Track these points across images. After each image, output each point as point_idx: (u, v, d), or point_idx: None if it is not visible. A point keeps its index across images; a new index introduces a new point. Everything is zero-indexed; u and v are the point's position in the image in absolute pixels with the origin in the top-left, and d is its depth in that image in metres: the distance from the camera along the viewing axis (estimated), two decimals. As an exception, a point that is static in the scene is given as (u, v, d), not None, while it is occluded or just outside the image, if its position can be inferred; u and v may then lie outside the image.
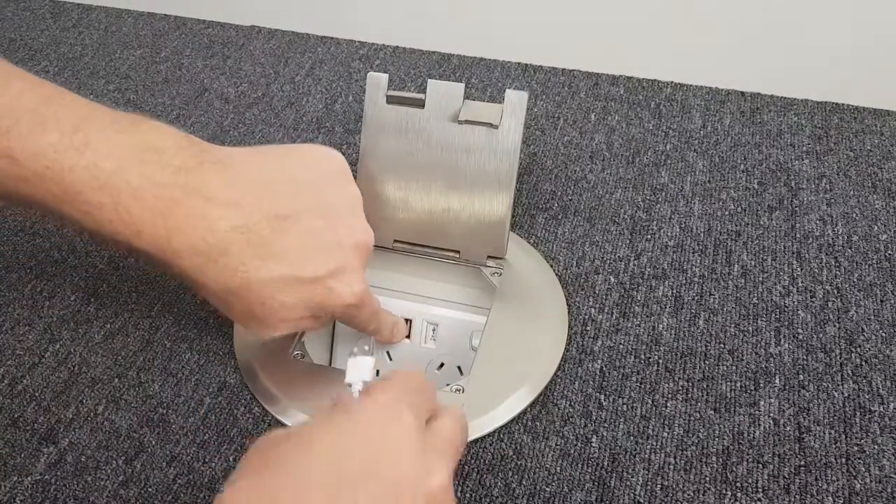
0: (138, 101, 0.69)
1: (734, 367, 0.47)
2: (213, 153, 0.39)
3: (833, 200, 0.57)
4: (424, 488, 0.31)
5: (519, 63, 0.71)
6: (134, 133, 0.38)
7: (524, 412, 0.44)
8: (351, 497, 0.29)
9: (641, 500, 0.41)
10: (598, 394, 0.45)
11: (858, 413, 0.44)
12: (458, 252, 0.51)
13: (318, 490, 0.29)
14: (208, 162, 0.38)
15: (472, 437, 0.43)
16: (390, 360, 0.53)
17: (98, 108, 0.39)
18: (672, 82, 0.68)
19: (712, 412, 0.44)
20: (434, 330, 0.53)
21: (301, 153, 0.42)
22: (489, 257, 0.51)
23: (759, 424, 0.44)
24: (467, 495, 0.41)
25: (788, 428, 0.44)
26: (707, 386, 0.46)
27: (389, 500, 0.29)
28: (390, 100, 0.50)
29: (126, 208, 0.36)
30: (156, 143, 0.38)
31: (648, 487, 0.41)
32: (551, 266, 0.53)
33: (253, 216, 0.38)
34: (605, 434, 0.43)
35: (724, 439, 0.43)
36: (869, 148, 0.61)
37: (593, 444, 0.43)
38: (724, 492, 0.41)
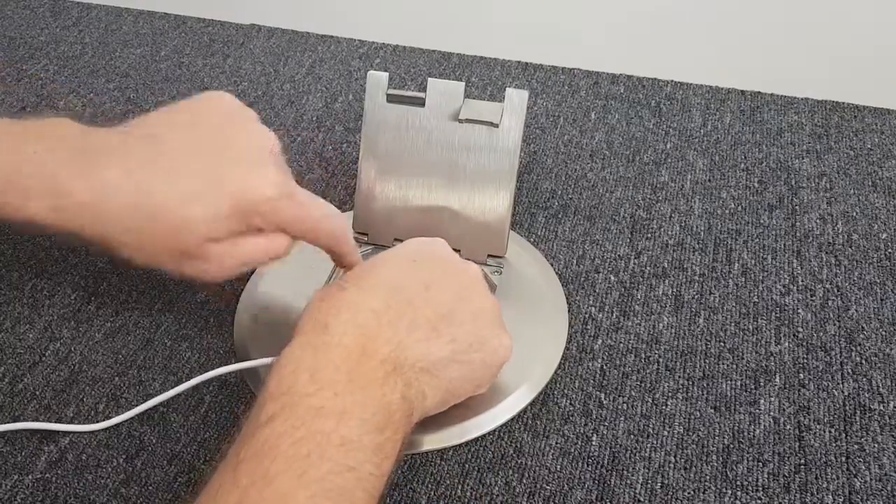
0: (138, 100, 0.69)
1: (734, 366, 0.47)
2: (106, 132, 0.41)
3: (833, 199, 0.57)
4: (464, 269, 0.42)
5: (519, 62, 0.71)
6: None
7: (524, 411, 0.44)
8: (409, 259, 0.41)
9: (641, 499, 0.41)
10: (598, 392, 0.45)
11: (858, 411, 0.44)
12: (458, 251, 0.51)
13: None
14: (93, 134, 0.40)
15: (472, 436, 0.43)
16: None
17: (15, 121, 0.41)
18: (672, 81, 0.68)
19: (712, 411, 0.44)
20: (434, 328, 0.53)
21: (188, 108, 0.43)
22: (489, 256, 0.51)
23: (760, 423, 0.44)
24: (468, 494, 0.41)
25: (788, 426, 0.44)
26: (707, 384, 0.46)
27: (438, 264, 0.42)
28: (390, 98, 0.50)
29: (16, 177, 0.38)
30: (57, 130, 0.40)
31: (648, 486, 0.41)
32: (551, 265, 0.53)
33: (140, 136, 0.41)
34: (605, 433, 0.43)
35: (724, 438, 0.43)
36: (869, 147, 0.61)
37: (593, 443, 0.43)
38: (724, 490, 0.41)
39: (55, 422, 0.44)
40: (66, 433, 0.44)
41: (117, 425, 0.44)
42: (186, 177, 0.39)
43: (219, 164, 0.39)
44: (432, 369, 0.37)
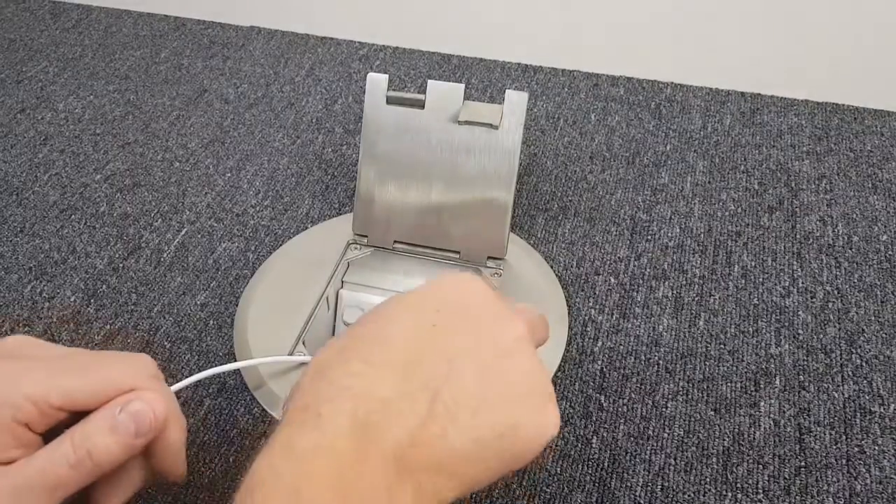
0: (138, 102, 0.69)
1: (734, 368, 0.46)
2: None
3: (833, 201, 0.57)
4: (502, 329, 0.32)
5: (519, 63, 0.71)
6: None
7: (524, 413, 0.44)
8: (430, 318, 0.32)
9: (641, 501, 0.41)
10: (598, 395, 0.45)
11: (859, 414, 0.44)
12: (458, 252, 0.51)
13: (399, 319, 0.32)
14: None
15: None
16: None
17: None
18: (672, 83, 0.68)
19: (712, 413, 0.44)
20: (434, 331, 0.53)
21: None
22: (489, 258, 0.51)
23: (760, 425, 0.44)
24: (467, 496, 0.41)
25: (789, 429, 0.43)
26: (707, 387, 0.46)
27: (467, 324, 0.32)
28: (390, 100, 0.50)
29: None
30: None
31: (649, 488, 0.41)
32: (551, 267, 0.52)
33: None
34: (605, 435, 0.43)
35: (724, 440, 0.43)
36: (869, 149, 0.61)
37: (593, 445, 0.43)
38: (724, 493, 0.41)
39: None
40: None
41: None
42: None
43: None
44: (450, 467, 0.29)
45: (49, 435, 0.32)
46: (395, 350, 0.31)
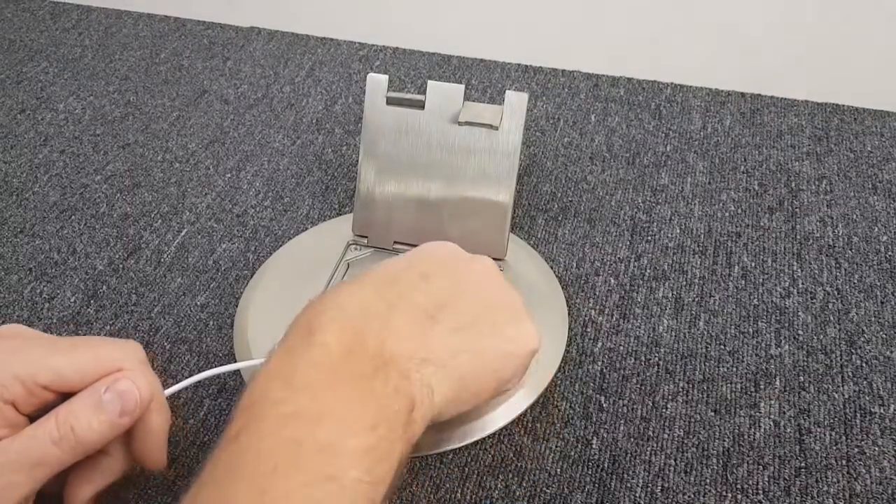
0: (138, 103, 0.69)
1: (734, 369, 0.46)
2: None
3: (833, 202, 0.57)
4: (471, 263, 0.40)
5: (519, 64, 0.71)
6: None
7: (524, 414, 0.44)
8: (406, 259, 0.38)
9: (641, 502, 0.41)
10: (598, 395, 0.45)
11: (859, 415, 0.44)
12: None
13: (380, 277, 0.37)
14: None
15: (471, 440, 0.43)
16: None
17: None
18: (672, 83, 0.68)
19: (713, 414, 0.44)
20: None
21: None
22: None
23: (760, 426, 0.44)
24: (467, 497, 0.41)
25: (789, 429, 0.43)
26: (707, 387, 0.46)
27: (439, 261, 0.39)
28: (390, 101, 0.50)
29: None
30: None
31: (649, 489, 0.41)
32: (551, 267, 0.52)
33: None
34: (605, 436, 0.43)
35: (724, 441, 0.43)
36: (869, 149, 0.61)
37: (593, 446, 0.43)
38: (724, 493, 0.41)
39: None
40: None
41: None
42: None
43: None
44: (436, 360, 0.33)
45: (36, 417, 0.32)
46: (376, 274, 0.37)
